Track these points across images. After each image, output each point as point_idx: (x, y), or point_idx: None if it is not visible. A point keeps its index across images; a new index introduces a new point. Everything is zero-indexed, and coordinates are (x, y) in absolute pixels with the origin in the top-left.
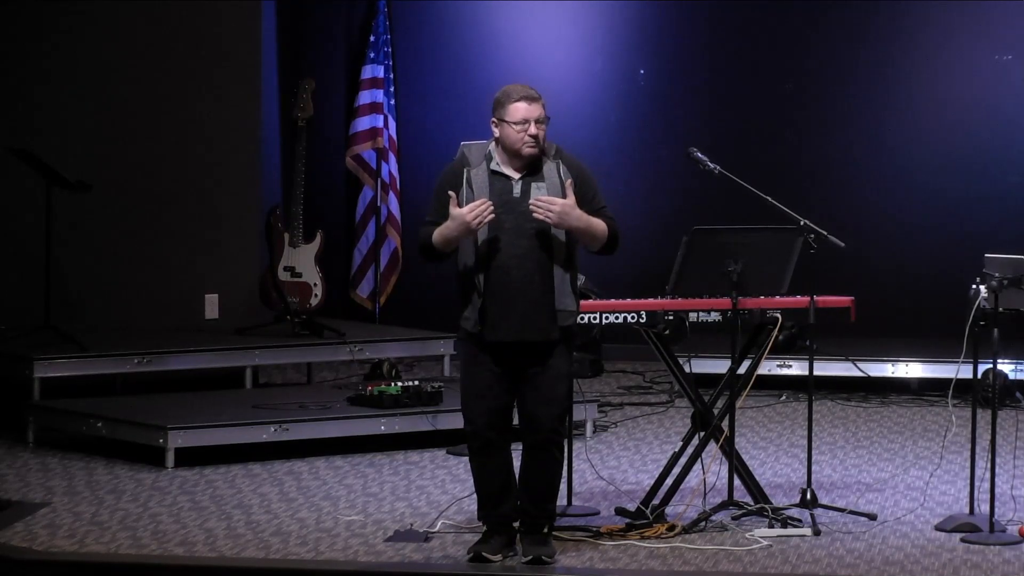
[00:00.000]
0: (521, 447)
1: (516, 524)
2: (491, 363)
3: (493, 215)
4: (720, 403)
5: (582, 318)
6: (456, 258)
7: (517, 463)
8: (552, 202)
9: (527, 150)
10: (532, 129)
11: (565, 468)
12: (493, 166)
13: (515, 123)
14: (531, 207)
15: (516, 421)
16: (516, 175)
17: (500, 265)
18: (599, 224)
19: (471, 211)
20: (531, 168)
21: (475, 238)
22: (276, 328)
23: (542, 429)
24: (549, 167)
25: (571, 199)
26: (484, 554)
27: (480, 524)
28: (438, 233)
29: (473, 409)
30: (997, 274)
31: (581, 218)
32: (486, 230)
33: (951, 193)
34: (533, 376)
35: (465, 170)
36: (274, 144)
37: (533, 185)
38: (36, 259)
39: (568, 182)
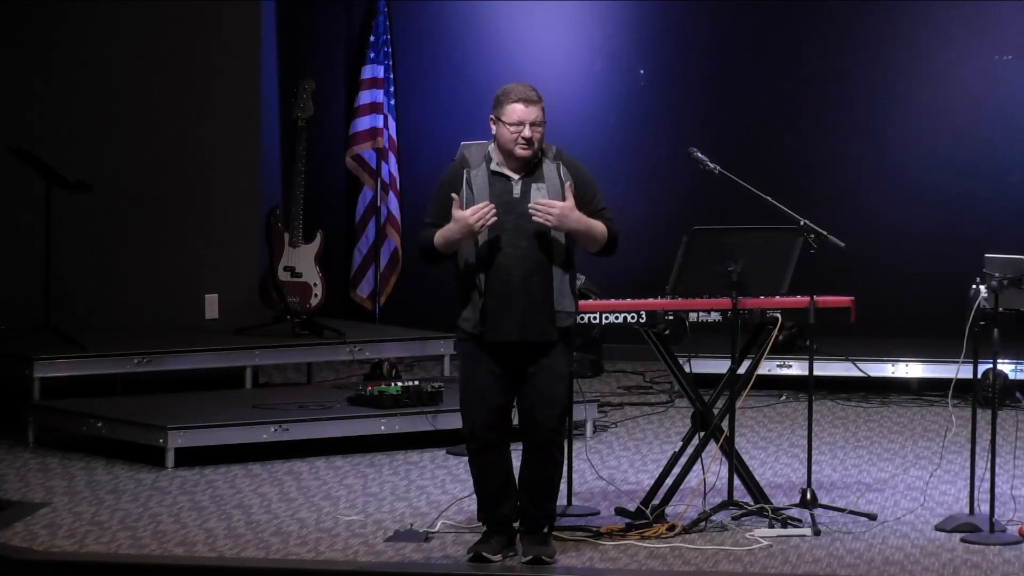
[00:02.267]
0: (521, 447)
1: (516, 524)
2: (490, 364)
3: (496, 218)
4: (720, 403)
5: (582, 318)
6: (455, 259)
7: (517, 463)
8: (551, 205)
9: (519, 152)
10: (526, 132)
11: (565, 468)
12: (493, 167)
13: (510, 124)
14: (530, 210)
15: (516, 421)
16: (515, 176)
17: (500, 265)
18: (598, 226)
19: (474, 213)
20: (531, 169)
21: (476, 239)
22: (276, 328)
23: (542, 429)
24: (549, 168)
25: (570, 202)
26: (484, 554)
27: (480, 524)
28: (440, 235)
29: (472, 410)
30: (997, 274)
31: (580, 220)
32: (487, 231)
33: (951, 193)
34: (533, 376)
35: (465, 171)
36: (274, 144)
37: (533, 186)
38: (36, 259)
39: (567, 185)
